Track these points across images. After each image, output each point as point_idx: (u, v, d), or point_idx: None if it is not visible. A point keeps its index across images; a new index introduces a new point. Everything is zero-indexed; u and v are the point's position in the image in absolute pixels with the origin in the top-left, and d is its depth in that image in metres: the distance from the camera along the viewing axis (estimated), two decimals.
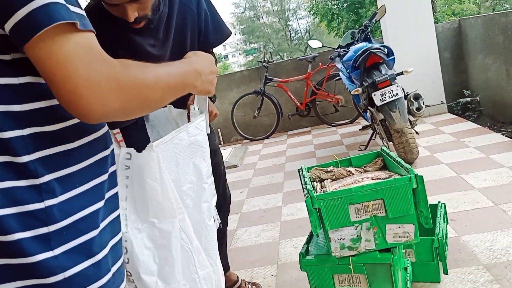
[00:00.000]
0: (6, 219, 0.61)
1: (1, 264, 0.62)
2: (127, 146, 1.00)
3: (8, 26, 0.58)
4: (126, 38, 1.36)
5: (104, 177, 0.75)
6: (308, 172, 1.81)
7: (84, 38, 0.61)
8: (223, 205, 1.92)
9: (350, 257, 1.51)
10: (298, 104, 5.75)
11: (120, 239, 0.80)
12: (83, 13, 0.64)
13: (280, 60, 7.16)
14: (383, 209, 1.45)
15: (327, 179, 1.76)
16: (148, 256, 0.91)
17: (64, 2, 0.60)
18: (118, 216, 0.81)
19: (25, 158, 0.63)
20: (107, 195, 0.76)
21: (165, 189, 0.91)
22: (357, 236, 1.48)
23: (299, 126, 6.09)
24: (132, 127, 1.36)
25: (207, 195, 1.09)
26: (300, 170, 1.81)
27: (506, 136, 3.77)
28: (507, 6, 15.84)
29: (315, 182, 1.76)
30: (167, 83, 0.73)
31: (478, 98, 4.93)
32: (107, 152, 0.77)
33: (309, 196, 1.47)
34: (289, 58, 8.35)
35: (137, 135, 1.36)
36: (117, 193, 0.81)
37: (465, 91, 5.15)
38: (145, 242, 0.91)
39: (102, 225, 0.73)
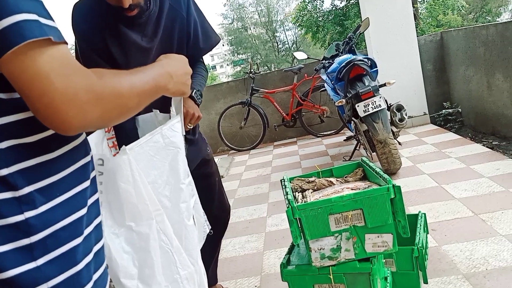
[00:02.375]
0: None
1: None
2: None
3: None
4: (117, 30, 1.45)
5: (86, 183, 0.75)
6: (290, 182, 1.83)
7: (58, 51, 0.61)
8: (220, 216, 1.90)
9: (330, 267, 1.52)
10: (284, 115, 5.79)
11: (103, 245, 0.81)
12: (56, 25, 0.64)
13: (267, 71, 7.21)
14: (362, 219, 1.47)
15: (308, 189, 1.78)
16: (127, 260, 0.91)
17: (36, 18, 0.60)
18: (101, 222, 0.81)
19: (4, 171, 0.63)
20: (90, 201, 0.76)
21: (140, 192, 0.92)
22: (337, 246, 1.49)
23: (285, 136, 6.13)
24: (123, 132, 1.38)
25: (185, 195, 1.10)
26: (283, 180, 1.83)
27: (486, 146, 3.84)
28: (489, 18, 16.20)
29: (296, 193, 1.77)
30: (141, 89, 0.74)
31: (459, 109, 5.03)
32: (87, 159, 0.78)
33: (290, 207, 1.49)
34: (276, 69, 8.41)
35: (128, 140, 1.38)
36: (98, 199, 0.81)
37: (447, 102, 5.24)
38: (123, 246, 0.91)
39: (86, 231, 0.73)
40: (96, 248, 0.76)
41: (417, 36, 5.27)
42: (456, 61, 4.99)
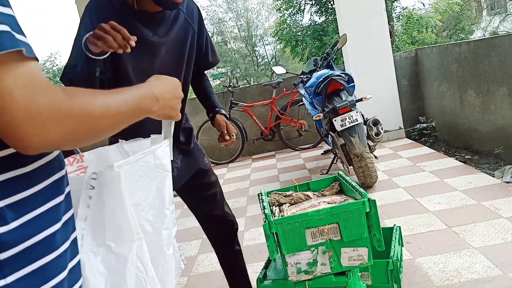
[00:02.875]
0: None
1: None
2: None
3: None
4: (130, 24, 1.43)
5: (60, 198, 0.74)
6: (268, 196, 1.84)
7: (26, 67, 0.59)
8: (223, 225, 1.86)
9: (307, 281, 1.53)
10: (263, 128, 5.82)
11: (78, 262, 0.78)
12: (28, 41, 0.62)
13: (246, 85, 7.25)
14: (338, 233, 1.49)
15: (285, 203, 1.79)
16: (100, 282, 0.86)
17: (7, 29, 0.58)
18: (76, 237, 0.79)
19: None
20: (65, 217, 0.74)
21: (125, 211, 0.89)
22: (313, 260, 1.50)
23: (264, 150, 6.15)
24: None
25: (167, 222, 1.05)
26: (260, 194, 1.84)
27: (459, 160, 3.94)
28: (463, 36, 16.70)
29: (274, 207, 1.78)
30: (117, 110, 0.71)
31: (433, 124, 5.15)
32: (62, 173, 0.76)
33: (266, 221, 1.49)
34: (255, 83, 8.47)
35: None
36: (73, 214, 0.79)
37: (421, 117, 5.37)
38: (99, 266, 0.87)
39: (62, 248, 0.71)
40: (71, 264, 0.74)
41: (393, 52, 5.40)
42: (430, 77, 5.12)
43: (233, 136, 1.73)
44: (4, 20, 0.59)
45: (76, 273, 0.76)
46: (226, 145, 1.74)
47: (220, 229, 1.86)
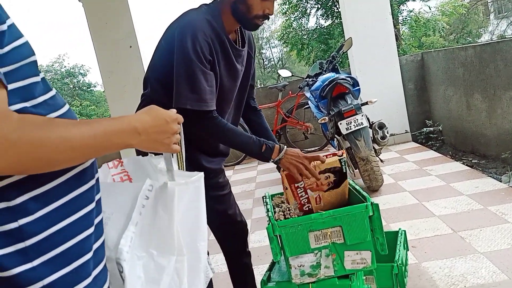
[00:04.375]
0: None
1: None
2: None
3: None
4: (228, 58, 1.61)
5: (85, 187, 0.78)
6: (272, 199, 1.84)
7: None
8: (235, 226, 1.87)
9: (310, 284, 1.53)
10: None
11: (103, 243, 0.83)
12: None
13: None
14: (342, 236, 1.49)
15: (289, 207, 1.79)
16: (137, 285, 0.91)
17: None
18: (102, 219, 0.83)
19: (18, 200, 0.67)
20: (90, 206, 0.78)
21: (171, 226, 0.94)
22: (317, 262, 1.50)
23: None
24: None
25: (205, 247, 1.08)
26: (264, 197, 1.84)
27: (466, 165, 3.92)
28: (470, 39, 16.63)
29: (277, 208, 1.78)
30: (81, 142, 0.71)
31: (440, 128, 5.13)
32: (92, 182, 0.80)
33: (270, 223, 1.50)
34: (261, 86, 8.48)
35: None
36: (99, 200, 0.83)
37: (428, 121, 5.35)
38: (139, 270, 0.92)
39: (87, 232, 0.76)
40: (95, 245, 0.79)
41: (399, 56, 5.39)
42: (437, 81, 5.11)
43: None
44: None
45: (100, 254, 0.81)
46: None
47: (233, 230, 1.87)
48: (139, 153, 1.43)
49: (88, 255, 0.77)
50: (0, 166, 0.62)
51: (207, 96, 1.51)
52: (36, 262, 0.69)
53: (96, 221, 0.81)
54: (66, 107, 0.77)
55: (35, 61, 0.72)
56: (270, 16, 1.60)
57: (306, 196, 1.70)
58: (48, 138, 0.66)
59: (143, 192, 0.92)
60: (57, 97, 0.76)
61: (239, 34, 1.67)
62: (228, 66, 1.62)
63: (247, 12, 1.55)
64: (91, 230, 0.78)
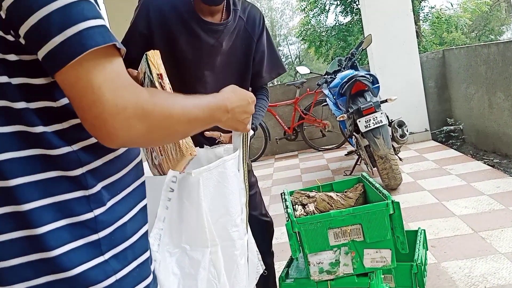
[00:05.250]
0: (60, 232, 0.63)
1: (51, 281, 0.63)
2: None
3: (41, 53, 0.58)
4: (192, 30, 1.52)
5: (142, 179, 0.78)
6: (291, 196, 1.84)
7: (113, 63, 0.61)
8: (262, 226, 1.83)
9: (329, 281, 1.53)
10: (286, 128, 5.81)
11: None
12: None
13: (270, 85, 7.25)
14: (361, 234, 1.48)
15: (308, 203, 1.79)
16: (173, 282, 0.88)
17: (101, 23, 0.60)
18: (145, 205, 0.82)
19: (78, 171, 0.66)
20: (142, 202, 0.78)
21: (201, 217, 0.90)
22: (336, 260, 1.50)
23: (287, 150, 6.14)
24: None
25: (241, 232, 1.05)
26: (283, 194, 1.84)
27: (487, 164, 3.85)
28: (492, 37, 16.29)
29: (297, 206, 1.78)
30: (195, 116, 0.73)
31: (461, 126, 5.04)
32: (139, 159, 0.80)
33: (289, 220, 1.50)
34: (278, 83, 8.46)
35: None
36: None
37: (448, 119, 5.26)
38: (173, 267, 0.89)
39: (143, 230, 0.76)
40: (149, 246, 0.79)
41: (419, 53, 5.32)
42: (458, 79, 5.02)
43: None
44: (99, 14, 0.62)
45: (151, 257, 0.80)
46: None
47: (259, 230, 1.85)
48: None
49: (148, 252, 0.76)
50: (133, 135, 0.62)
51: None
52: (107, 255, 0.67)
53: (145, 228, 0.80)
54: None
55: None
56: None
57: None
58: (173, 109, 0.68)
59: (166, 184, 0.88)
60: None
61: (224, 11, 1.55)
62: (189, 39, 1.53)
63: None
64: (147, 226, 0.78)
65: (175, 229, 0.90)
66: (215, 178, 0.96)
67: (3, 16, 0.59)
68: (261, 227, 1.84)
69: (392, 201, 1.45)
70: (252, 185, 1.82)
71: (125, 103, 0.60)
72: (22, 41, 0.60)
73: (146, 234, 0.77)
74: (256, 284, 1.96)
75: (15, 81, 0.62)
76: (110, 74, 0.60)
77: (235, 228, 1.02)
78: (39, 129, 0.63)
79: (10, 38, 0.60)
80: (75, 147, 0.65)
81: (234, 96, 0.90)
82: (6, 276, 0.62)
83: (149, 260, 0.76)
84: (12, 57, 0.61)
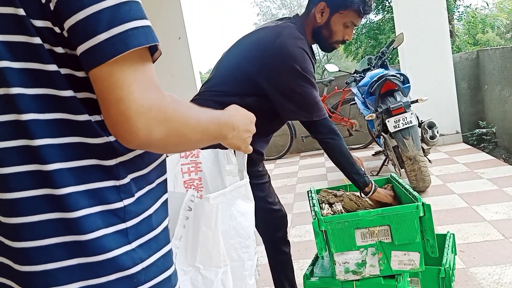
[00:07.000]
0: (93, 218, 0.66)
1: (82, 263, 0.66)
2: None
3: (83, 48, 0.60)
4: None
5: (165, 176, 0.81)
6: (317, 194, 1.83)
7: (145, 64, 0.63)
8: (276, 213, 1.86)
9: (354, 282, 1.51)
10: None
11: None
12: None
13: None
14: (389, 235, 1.46)
15: (335, 202, 1.78)
16: None
17: (146, 23, 0.63)
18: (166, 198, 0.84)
19: (112, 162, 0.68)
20: (164, 197, 0.80)
21: (217, 239, 0.93)
22: (362, 260, 1.48)
23: (312, 148, 6.11)
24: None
25: (251, 253, 1.07)
26: (309, 192, 1.83)
27: None
28: None
29: (323, 204, 1.77)
30: (206, 128, 0.75)
31: (494, 129, 4.90)
32: (166, 175, 0.83)
33: (316, 218, 1.49)
34: None
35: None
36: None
37: (480, 122, 5.12)
38: (187, 284, 0.91)
39: (165, 223, 0.78)
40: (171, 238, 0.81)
41: (453, 53, 5.19)
42: (492, 81, 4.88)
43: None
44: (144, 14, 0.64)
45: (172, 250, 0.82)
46: None
47: (272, 217, 1.86)
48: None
49: (170, 244, 0.78)
50: (152, 137, 0.63)
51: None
52: (134, 244, 0.69)
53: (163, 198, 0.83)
54: None
55: None
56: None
57: None
58: (190, 117, 0.70)
59: (185, 203, 0.90)
60: None
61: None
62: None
63: (329, 37, 1.68)
64: (168, 219, 0.80)
65: (190, 248, 0.92)
66: (230, 201, 1.00)
67: (51, 8, 0.61)
68: (275, 215, 1.86)
69: (423, 203, 1.43)
70: (264, 173, 1.88)
71: (151, 105, 0.62)
72: (65, 33, 0.62)
73: (167, 227, 0.79)
74: (274, 273, 1.96)
75: (64, 71, 0.64)
76: (141, 75, 0.62)
77: (245, 249, 1.04)
78: (84, 117, 0.65)
79: (57, 30, 0.62)
80: (112, 138, 0.67)
81: (238, 115, 0.92)
82: (38, 255, 0.65)
83: (171, 252, 0.78)
84: (59, 49, 0.63)
